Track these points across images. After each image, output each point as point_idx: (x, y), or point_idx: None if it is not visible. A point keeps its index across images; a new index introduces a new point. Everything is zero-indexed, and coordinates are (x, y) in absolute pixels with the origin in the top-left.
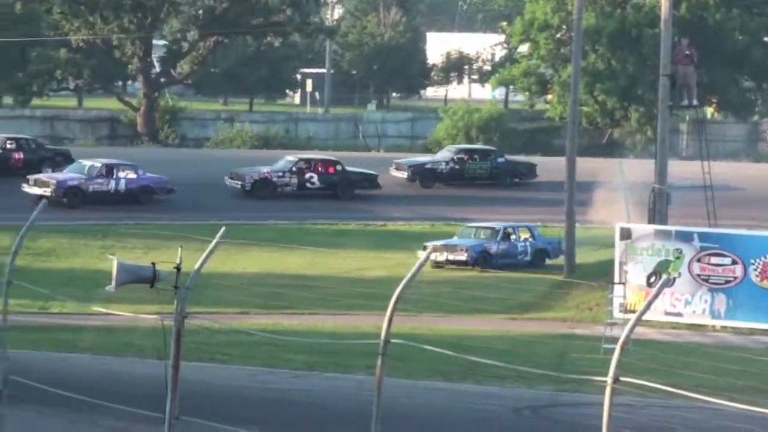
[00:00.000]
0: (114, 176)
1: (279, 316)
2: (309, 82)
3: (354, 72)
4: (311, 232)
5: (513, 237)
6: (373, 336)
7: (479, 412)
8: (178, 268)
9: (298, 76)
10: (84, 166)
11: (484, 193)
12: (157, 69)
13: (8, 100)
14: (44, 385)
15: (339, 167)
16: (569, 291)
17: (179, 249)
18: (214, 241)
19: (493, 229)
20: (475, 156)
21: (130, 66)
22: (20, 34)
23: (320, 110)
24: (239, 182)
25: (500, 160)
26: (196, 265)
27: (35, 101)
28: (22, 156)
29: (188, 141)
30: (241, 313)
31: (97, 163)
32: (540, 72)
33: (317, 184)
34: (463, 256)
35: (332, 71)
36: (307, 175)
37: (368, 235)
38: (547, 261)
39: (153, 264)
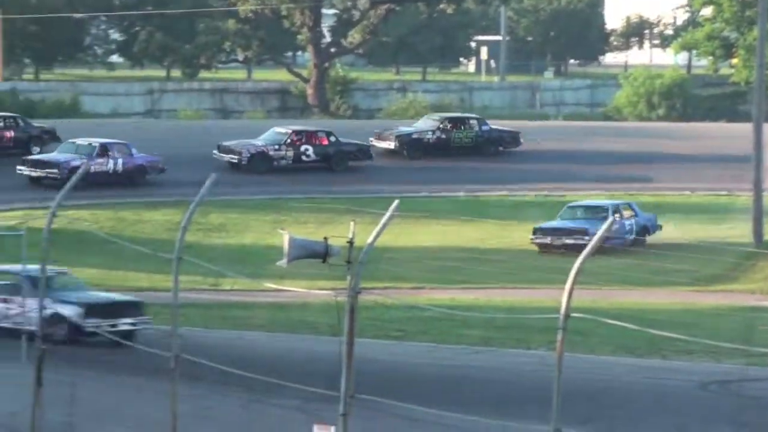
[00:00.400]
0: (111, 156)
1: (454, 291)
2: (484, 50)
3: (530, 39)
4: (489, 203)
5: (619, 216)
6: (552, 310)
7: (664, 387)
8: (351, 243)
9: (473, 44)
10: (76, 146)
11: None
12: (327, 39)
13: (176, 72)
14: (216, 363)
15: (332, 138)
16: (757, 262)
17: (351, 223)
18: (388, 214)
19: (600, 207)
20: (460, 125)
21: (299, 36)
22: (188, 6)
23: (496, 78)
24: (234, 156)
25: (485, 128)
26: (369, 239)
27: (203, 74)
28: (12, 134)
29: (360, 112)
30: (415, 288)
31: (95, 143)
32: (724, 35)
33: (312, 156)
34: (582, 241)
35: (507, 38)
36: (302, 148)
37: (547, 207)
38: (648, 238)
39: (325, 239)
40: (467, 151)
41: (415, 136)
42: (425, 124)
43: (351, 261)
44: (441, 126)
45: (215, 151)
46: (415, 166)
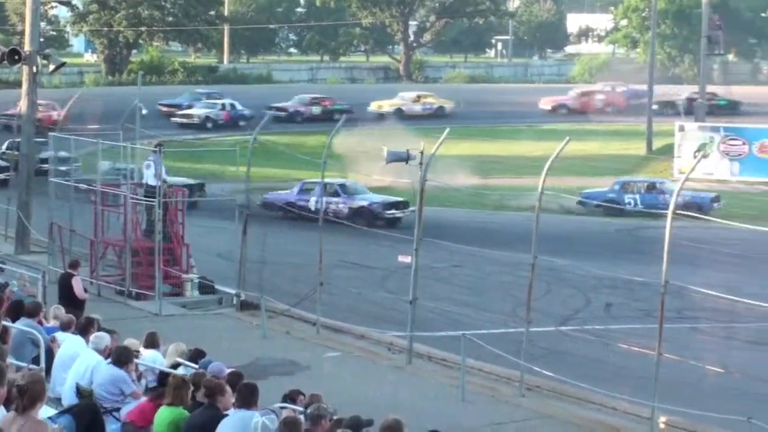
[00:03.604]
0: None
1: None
2: (499, 44)
3: (525, 38)
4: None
5: None
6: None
7: (589, 231)
8: (422, 152)
9: (492, 41)
10: None
11: None
12: (411, 38)
13: (326, 57)
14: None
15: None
16: (648, 162)
17: (421, 141)
18: (443, 136)
19: None
20: None
21: (396, 37)
22: (333, 19)
23: (505, 60)
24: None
25: None
26: (432, 150)
27: (341, 58)
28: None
29: (429, 79)
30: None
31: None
32: (633, 35)
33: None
34: None
35: (512, 37)
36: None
37: None
38: None
39: (407, 150)
40: None
41: None
42: None
43: (422, 162)
44: None
45: None
46: None
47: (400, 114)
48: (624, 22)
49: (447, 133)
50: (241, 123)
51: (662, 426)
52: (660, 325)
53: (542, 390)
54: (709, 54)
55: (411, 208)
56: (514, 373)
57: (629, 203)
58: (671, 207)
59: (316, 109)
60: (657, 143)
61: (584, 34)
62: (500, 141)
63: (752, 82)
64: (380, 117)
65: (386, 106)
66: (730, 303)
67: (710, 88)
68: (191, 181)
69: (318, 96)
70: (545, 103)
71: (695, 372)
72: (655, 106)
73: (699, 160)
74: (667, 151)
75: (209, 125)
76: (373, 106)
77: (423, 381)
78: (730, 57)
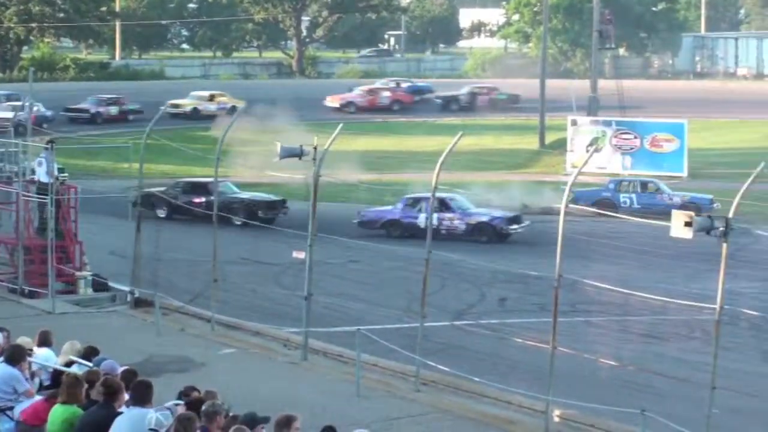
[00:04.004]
0: None
1: (380, 175)
2: (392, 39)
3: (418, 32)
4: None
5: None
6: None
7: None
8: (315, 147)
9: (385, 36)
10: None
11: None
12: (304, 33)
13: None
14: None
15: None
16: (541, 157)
17: (314, 137)
18: (336, 132)
19: None
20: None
21: (288, 32)
22: (225, 15)
23: (398, 55)
24: None
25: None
26: (325, 146)
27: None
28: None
29: (322, 75)
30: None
31: None
32: (525, 30)
33: None
34: None
35: (405, 32)
36: None
37: None
38: None
39: (301, 145)
40: None
41: None
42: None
43: (315, 158)
44: None
45: None
46: None
47: (196, 113)
48: (516, 17)
49: (340, 128)
50: (44, 125)
51: (557, 419)
52: (554, 318)
53: (438, 385)
54: (601, 48)
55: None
56: (409, 368)
57: (624, 203)
58: (564, 201)
59: (113, 110)
60: (550, 137)
61: (476, 29)
62: (394, 136)
63: (643, 76)
64: (174, 116)
65: (184, 105)
66: (623, 296)
67: (552, 83)
68: (274, 197)
69: (114, 96)
70: (332, 101)
71: (590, 365)
72: (438, 101)
73: (591, 154)
74: (560, 145)
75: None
76: (170, 105)
77: (318, 377)
78: (621, 51)
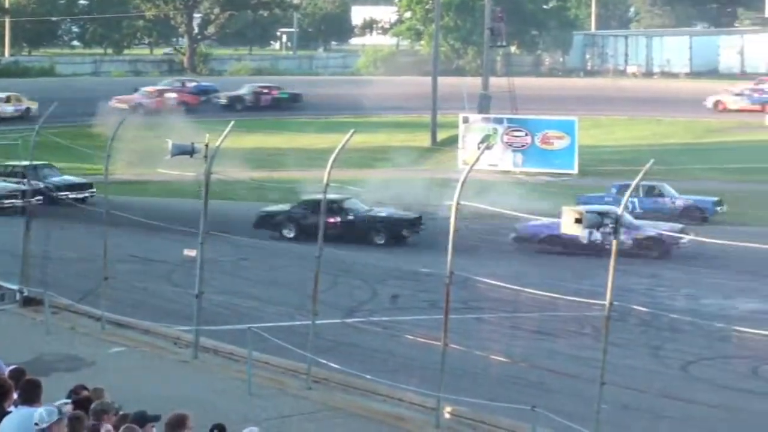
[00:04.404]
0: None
1: (271, 172)
2: (284, 37)
3: (310, 30)
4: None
5: None
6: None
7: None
8: (206, 145)
9: (278, 33)
10: None
11: None
12: (196, 30)
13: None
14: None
15: None
16: (432, 154)
17: (207, 135)
18: (227, 129)
19: None
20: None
21: (180, 29)
22: (115, 12)
23: (291, 53)
24: None
25: None
26: (217, 144)
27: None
28: None
29: (213, 71)
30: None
31: None
32: (417, 28)
33: None
34: None
35: (297, 30)
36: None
37: None
38: None
39: (192, 143)
40: None
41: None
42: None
43: (207, 155)
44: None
45: None
46: None
47: None
48: (408, 15)
49: (232, 125)
50: None
51: (447, 416)
52: (445, 315)
53: (329, 382)
54: (492, 46)
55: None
56: (301, 365)
57: (627, 208)
58: (456, 197)
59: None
60: (442, 135)
61: (369, 26)
62: (287, 133)
63: (534, 73)
64: None
65: None
66: (514, 293)
67: (423, 80)
68: (413, 215)
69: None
70: (118, 103)
71: (481, 362)
72: (222, 101)
73: (483, 152)
74: (452, 142)
75: None
76: None
77: (210, 375)
78: (513, 49)
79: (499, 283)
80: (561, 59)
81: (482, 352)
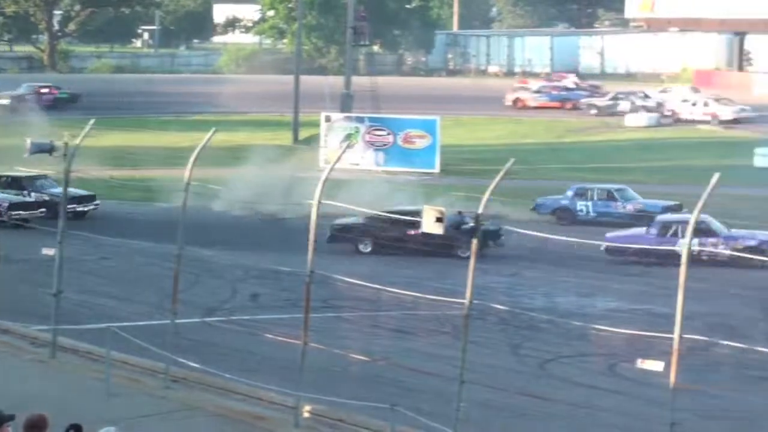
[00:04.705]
0: None
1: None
2: (146, 34)
3: (172, 27)
4: None
5: None
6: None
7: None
8: (66, 143)
9: (139, 31)
10: None
11: None
12: (57, 27)
13: None
14: None
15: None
16: (294, 152)
17: (65, 133)
18: (87, 128)
19: None
20: None
21: (40, 26)
22: None
23: (152, 51)
24: None
25: None
26: (77, 141)
27: None
28: None
29: (74, 69)
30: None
31: None
32: (280, 26)
33: None
34: None
35: (160, 27)
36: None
37: None
38: None
39: (51, 141)
40: None
41: None
42: None
43: (66, 153)
44: None
45: None
46: None
47: None
48: (271, 13)
49: (92, 123)
50: None
51: (306, 415)
52: (306, 314)
53: (188, 382)
54: (355, 45)
55: None
56: (159, 365)
57: (581, 211)
58: (316, 196)
59: None
60: (304, 133)
61: (231, 24)
62: (148, 132)
63: (397, 73)
64: None
65: None
66: (374, 292)
67: (286, 79)
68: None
69: None
70: None
71: (341, 360)
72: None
73: (344, 150)
74: (314, 140)
75: None
76: None
77: (67, 375)
78: (376, 48)
79: (360, 282)
80: (423, 59)
81: (342, 350)
